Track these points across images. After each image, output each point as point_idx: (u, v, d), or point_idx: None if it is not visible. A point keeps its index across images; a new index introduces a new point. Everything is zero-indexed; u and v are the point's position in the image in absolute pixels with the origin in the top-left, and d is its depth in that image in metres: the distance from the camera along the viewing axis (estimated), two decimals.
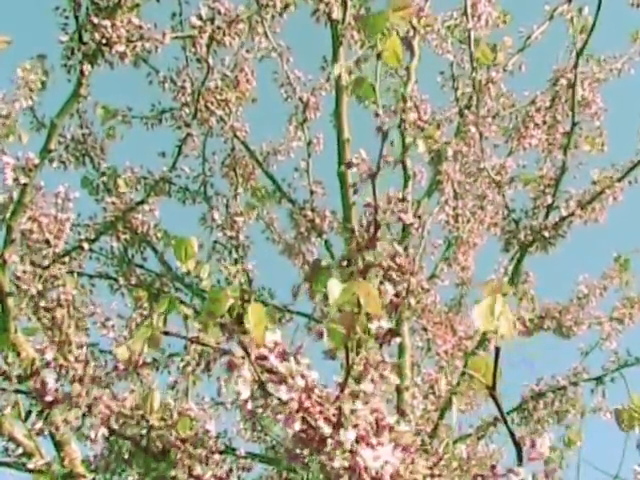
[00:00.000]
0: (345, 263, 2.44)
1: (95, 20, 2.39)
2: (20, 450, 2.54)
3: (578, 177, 2.99)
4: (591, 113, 3.28)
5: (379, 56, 2.32)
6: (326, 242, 3.18)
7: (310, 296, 2.66)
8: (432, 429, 2.76)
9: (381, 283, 2.39)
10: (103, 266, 3.22)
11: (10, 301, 2.49)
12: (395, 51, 2.28)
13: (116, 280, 3.17)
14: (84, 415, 2.00)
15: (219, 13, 2.67)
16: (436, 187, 3.13)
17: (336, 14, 3.21)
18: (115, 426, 2.03)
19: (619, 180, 2.95)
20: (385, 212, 2.41)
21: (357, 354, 1.37)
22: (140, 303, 3.07)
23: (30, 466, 2.42)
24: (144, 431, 2.02)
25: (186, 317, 1.82)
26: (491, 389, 1.49)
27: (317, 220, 3.16)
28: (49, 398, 1.99)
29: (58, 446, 2.51)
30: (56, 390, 2.00)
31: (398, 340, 1.54)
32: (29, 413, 2.10)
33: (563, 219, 2.85)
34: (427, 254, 3.12)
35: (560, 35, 3.27)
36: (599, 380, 3.07)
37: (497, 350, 1.46)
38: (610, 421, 3.15)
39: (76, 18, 2.42)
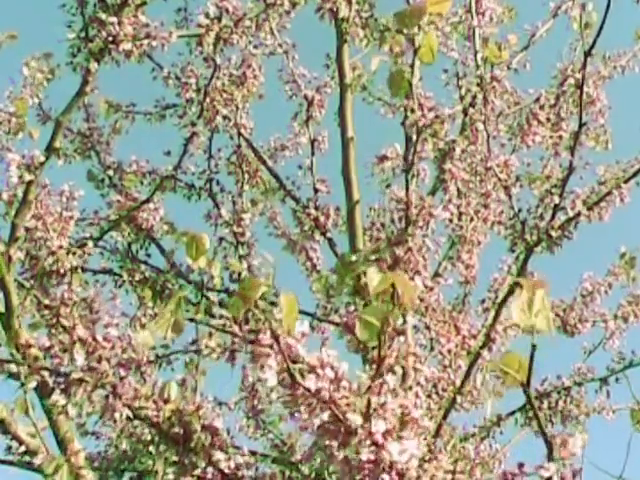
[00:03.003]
0: (373, 258, 2.44)
1: (102, 17, 2.39)
2: (23, 448, 2.54)
3: (584, 176, 2.97)
4: (595, 111, 3.27)
5: (415, 52, 2.30)
6: (330, 240, 3.17)
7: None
8: (435, 428, 2.75)
9: (411, 278, 2.40)
10: (107, 261, 3.22)
11: (14, 299, 2.49)
12: (431, 47, 2.26)
13: (120, 276, 3.16)
14: (108, 396, 2.01)
15: (226, 12, 2.67)
16: (440, 185, 3.12)
17: (343, 12, 3.21)
18: (137, 411, 2.03)
19: (626, 181, 2.93)
20: (416, 207, 2.41)
21: (389, 347, 1.37)
22: (144, 301, 3.07)
23: (36, 463, 2.43)
24: (164, 417, 2.03)
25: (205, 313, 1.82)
26: (526, 386, 1.49)
27: (321, 218, 3.15)
28: (76, 375, 1.99)
29: (61, 443, 2.51)
30: (83, 368, 2.00)
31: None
32: (51, 393, 2.10)
33: (570, 220, 2.84)
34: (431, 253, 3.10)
35: (564, 32, 3.26)
36: (604, 380, 3.06)
37: (533, 347, 1.45)
38: (614, 421, 3.16)
39: (82, 16, 2.42)
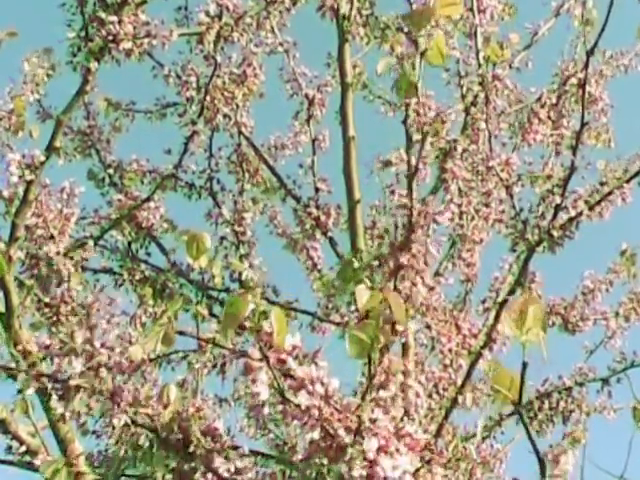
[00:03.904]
0: (376, 264, 2.44)
1: (102, 16, 2.38)
2: (23, 448, 2.54)
3: (586, 175, 2.96)
4: (597, 110, 3.27)
5: (422, 54, 2.29)
6: (331, 239, 3.17)
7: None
8: (437, 429, 2.74)
9: (414, 285, 2.39)
10: (107, 260, 3.21)
11: (14, 298, 2.49)
12: (440, 50, 2.25)
13: (120, 275, 3.16)
14: (105, 403, 2.00)
15: (227, 10, 2.66)
16: (441, 185, 3.12)
17: (344, 10, 3.21)
18: (135, 416, 2.03)
19: (628, 181, 2.93)
20: (420, 214, 2.41)
21: (380, 362, 1.36)
22: (145, 299, 3.06)
23: (37, 463, 2.42)
24: (163, 422, 2.02)
25: (202, 317, 1.82)
26: (517, 405, 1.48)
27: (322, 217, 3.15)
28: (74, 383, 1.98)
29: (62, 443, 2.51)
30: (81, 375, 1.99)
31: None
32: (49, 397, 2.09)
33: (571, 220, 2.83)
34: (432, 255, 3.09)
35: (567, 30, 3.26)
36: (605, 381, 3.05)
37: (524, 365, 1.45)
38: (615, 421, 3.15)
39: (82, 15, 2.41)
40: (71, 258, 2.66)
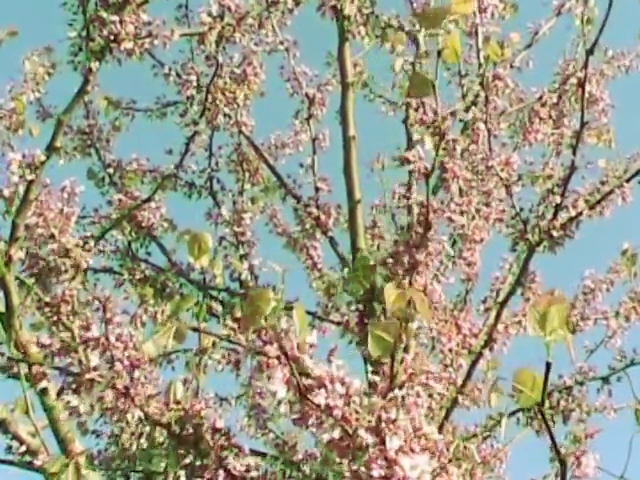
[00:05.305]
0: (391, 261, 2.44)
1: (103, 15, 2.38)
2: (23, 448, 2.54)
3: (586, 174, 2.97)
4: (598, 110, 3.26)
5: (439, 53, 2.28)
6: (331, 239, 3.17)
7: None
8: (437, 428, 2.74)
9: (430, 284, 2.39)
10: (108, 260, 3.21)
11: (15, 298, 2.48)
12: (455, 48, 2.24)
13: (121, 275, 3.16)
14: (119, 397, 2.00)
15: (229, 10, 2.66)
16: (441, 184, 3.11)
17: (347, 10, 3.21)
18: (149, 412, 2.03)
19: (628, 180, 2.93)
20: (436, 212, 2.41)
21: (401, 361, 1.36)
22: (145, 299, 3.06)
23: (37, 463, 2.42)
24: (176, 418, 2.02)
25: (205, 316, 1.82)
26: (540, 405, 1.48)
27: (322, 217, 3.14)
28: (89, 376, 1.98)
29: (62, 443, 2.51)
30: (95, 369, 1.99)
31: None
32: (62, 390, 2.09)
33: (572, 219, 2.83)
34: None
35: (568, 30, 3.26)
36: (605, 380, 3.05)
37: (548, 365, 1.44)
38: (615, 421, 3.15)
39: (84, 14, 2.40)
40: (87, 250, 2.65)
